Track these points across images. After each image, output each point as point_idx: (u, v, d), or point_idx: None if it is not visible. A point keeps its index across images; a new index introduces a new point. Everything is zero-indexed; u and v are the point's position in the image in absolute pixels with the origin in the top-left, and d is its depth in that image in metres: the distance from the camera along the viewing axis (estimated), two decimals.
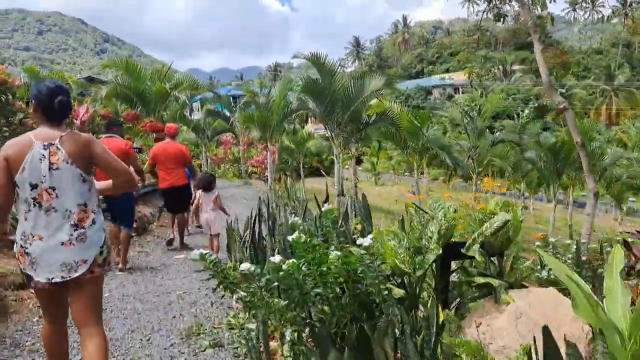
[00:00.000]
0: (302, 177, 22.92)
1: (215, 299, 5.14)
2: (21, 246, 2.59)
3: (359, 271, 2.58)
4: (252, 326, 3.65)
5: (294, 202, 11.01)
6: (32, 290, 3.00)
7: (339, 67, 12.45)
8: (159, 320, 4.62)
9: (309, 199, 11.54)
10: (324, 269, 2.59)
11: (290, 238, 2.69)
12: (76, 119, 9.56)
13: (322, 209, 3.70)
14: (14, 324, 4.55)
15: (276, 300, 2.49)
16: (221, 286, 2.63)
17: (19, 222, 2.62)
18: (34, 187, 2.55)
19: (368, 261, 2.52)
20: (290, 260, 2.57)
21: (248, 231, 5.48)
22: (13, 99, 7.10)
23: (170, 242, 8.02)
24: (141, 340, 4.15)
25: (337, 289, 2.71)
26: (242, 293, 2.55)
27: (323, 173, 31.55)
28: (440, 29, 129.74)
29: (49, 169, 2.55)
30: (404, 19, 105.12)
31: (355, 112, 12.17)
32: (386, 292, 2.57)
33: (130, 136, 12.50)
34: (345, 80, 11.84)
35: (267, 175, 19.57)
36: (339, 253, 2.58)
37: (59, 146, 2.57)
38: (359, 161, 23.09)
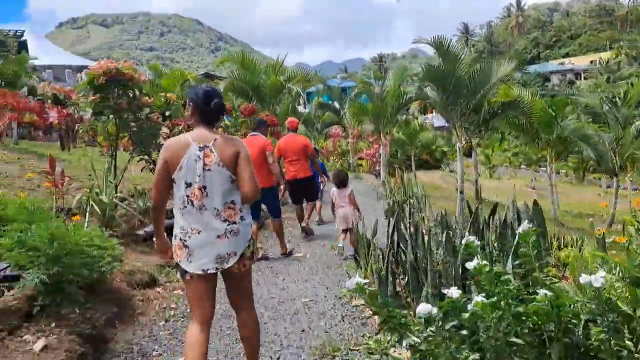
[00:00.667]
0: (414, 171, 21.97)
1: (346, 311, 4.63)
2: (180, 239, 2.78)
3: (572, 317, 1.89)
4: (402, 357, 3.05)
5: (412, 199, 10.35)
6: (184, 283, 2.99)
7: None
8: (286, 333, 4.21)
9: (426, 195, 10.81)
10: (523, 310, 1.93)
11: (470, 266, 2.07)
12: None
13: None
14: (140, 328, 4.37)
15: (466, 353, 1.85)
16: (386, 326, 2.05)
17: (175, 217, 2.83)
18: (188, 185, 2.75)
19: (595, 307, 1.81)
20: (479, 298, 1.94)
21: (387, 243, 4.86)
22: (140, 95, 7.12)
23: (305, 231, 8.06)
24: (271, 357, 3.74)
25: (538, 338, 2.03)
26: (415, 339, 1.95)
27: (434, 165, 30.23)
28: (556, 10, 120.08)
29: (203, 169, 2.74)
30: (518, 2, 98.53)
31: (480, 100, 11.13)
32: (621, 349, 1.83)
33: (244, 131, 12.48)
34: (471, 65, 10.83)
35: (377, 169, 18.94)
36: (548, 293, 1.89)
37: (212, 149, 2.76)
38: (469, 153, 21.64)
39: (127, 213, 6.60)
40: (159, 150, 8.98)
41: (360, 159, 22.37)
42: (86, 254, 4.02)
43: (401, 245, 4.62)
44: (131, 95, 6.95)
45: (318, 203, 8.95)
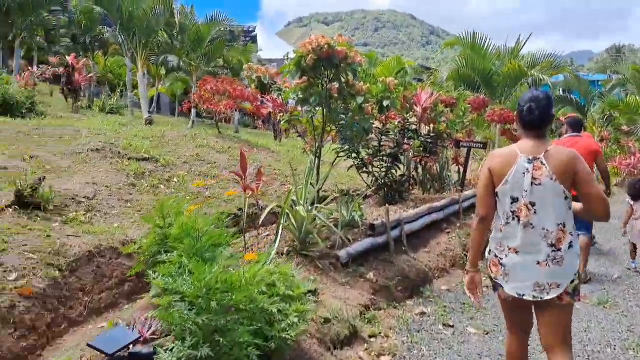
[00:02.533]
0: None
1: None
2: (495, 255, 2.68)
3: None
4: None
5: None
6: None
7: None
8: None
9: None
10: None
11: None
12: (417, 106, 7.89)
13: None
14: None
15: None
16: None
17: (494, 232, 2.72)
18: (514, 200, 2.58)
19: None
20: None
21: None
22: (354, 79, 5.66)
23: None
24: None
25: None
26: None
27: None
28: None
29: (531, 183, 2.53)
30: None
31: None
32: None
33: (471, 128, 10.38)
34: None
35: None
36: None
37: (543, 161, 2.53)
38: None
39: (327, 227, 5.20)
40: (368, 147, 7.66)
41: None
42: (261, 312, 2.59)
43: None
44: (343, 79, 5.54)
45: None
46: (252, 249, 4.80)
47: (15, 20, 14.10)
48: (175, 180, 7.77)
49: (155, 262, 3.04)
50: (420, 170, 8.65)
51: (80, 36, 17.73)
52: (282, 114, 5.70)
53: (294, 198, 4.81)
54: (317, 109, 5.34)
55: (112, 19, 13.49)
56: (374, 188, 7.69)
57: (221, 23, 14.29)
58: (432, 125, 8.18)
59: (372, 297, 4.89)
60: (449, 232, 7.30)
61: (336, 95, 5.30)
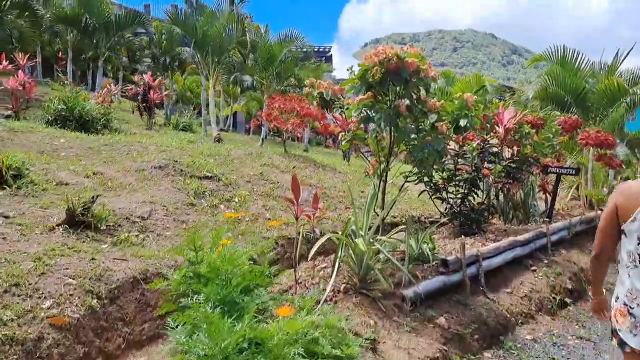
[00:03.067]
0: None
1: None
2: (624, 303, 2.41)
3: None
4: None
5: None
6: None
7: None
8: None
9: None
10: None
11: None
12: (498, 126, 7.10)
13: None
14: None
15: None
16: None
17: (620, 276, 2.48)
18: None
19: None
20: None
21: None
22: (426, 95, 5.06)
23: None
24: None
25: None
26: None
27: None
28: None
29: None
30: None
31: None
32: None
33: (561, 152, 9.34)
34: None
35: None
36: None
37: None
38: None
39: (390, 262, 4.58)
40: (442, 170, 6.94)
41: None
42: None
43: None
44: (415, 94, 4.94)
45: None
46: (305, 284, 4.27)
47: (99, 41, 14.76)
48: (236, 200, 7.46)
49: (180, 304, 2.58)
50: (501, 197, 7.78)
51: (161, 56, 18.36)
52: (343, 133, 5.18)
53: (354, 227, 4.25)
54: (383, 127, 4.76)
55: (187, 38, 13.75)
56: (448, 216, 6.95)
57: (293, 42, 14.16)
58: (515, 148, 7.33)
59: (443, 346, 4.19)
60: (534, 270, 6.41)
61: (405, 112, 4.70)
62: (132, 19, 14.88)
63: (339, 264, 4.10)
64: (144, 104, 13.10)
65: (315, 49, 26.25)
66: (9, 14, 13.26)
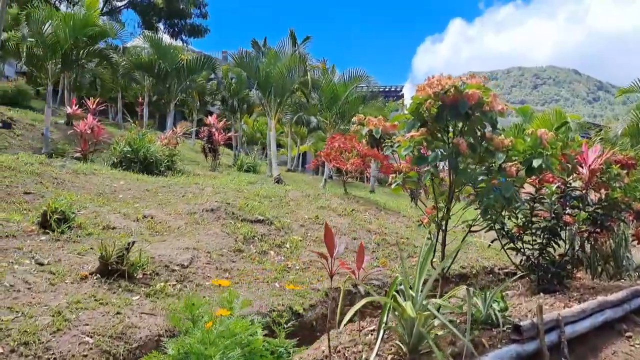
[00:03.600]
0: None
1: None
2: None
3: None
4: None
5: None
6: None
7: None
8: None
9: None
10: None
11: None
12: (582, 166, 6.20)
13: None
14: None
15: None
16: None
17: None
18: None
19: None
20: None
21: None
22: (492, 132, 4.40)
23: None
24: None
25: None
26: None
27: None
28: None
29: None
30: None
31: None
32: None
33: None
34: None
35: None
36: None
37: None
38: None
39: (450, 331, 3.85)
40: (517, 217, 6.11)
41: None
42: None
43: None
44: (479, 131, 4.30)
45: None
46: (345, 354, 3.65)
47: (172, 85, 15.29)
48: (287, 245, 7.01)
49: None
50: (588, 248, 6.75)
51: (230, 98, 18.78)
52: (394, 175, 4.59)
53: (401, 287, 3.61)
54: (439, 169, 4.15)
55: (252, 80, 13.89)
56: (523, 270, 6.08)
57: (359, 80, 13.90)
58: (603, 192, 6.35)
59: None
60: (629, 337, 5.35)
61: (466, 152, 4.07)
62: (202, 64, 15.35)
63: (383, 332, 3.47)
64: (209, 145, 13.22)
65: (386, 89, 25.90)
66: (89, 62, 14.13)
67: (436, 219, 4.42)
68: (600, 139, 10.09)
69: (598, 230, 6.23)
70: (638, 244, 7.60)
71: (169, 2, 28.82)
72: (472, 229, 4.71)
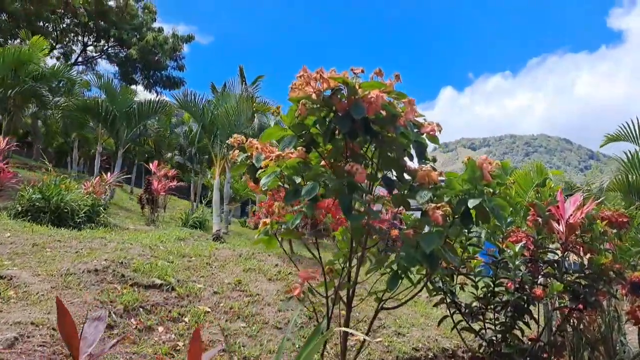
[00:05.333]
0: None
1: None
2: None
3: None
4: None
5: None
6: None
7: None
8: None
9: None
10: None
11: None
12: (558, 221, 4.77)
13: None
14: None
15: None
16: None
17: None
18: None
19: None
20: None
21: None
22: (420, 161, 3.03)
23: None
24: None
25: None
26: None
27: None
28: None
29: None
30: None
31: None
32: None
33: None
34: None
35: None
36: None
37: None
38: None
39: None
40: (476, 287, 4.59)
41: None
42: None
43: None
44: (392, 156, 2.93)
45: None
46: None
47: (120, 130, 13.99)
48: (186, 319, 5.41)
49: None
50: (569, 329, 5.16)
51: (187, 147, 17.48)
52: (265, 220, 3.13)
53: None
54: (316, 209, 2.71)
55: (196, 122, 12.67)
56: (484, 356, 4.51)
57: None
58: (586, 256, 4.87)
59: None
60: None
61: (363, 184, 2.65)
62: (155, 108, 14.11)
63: None
64: (147, 196, 11.74)
65: None
66: (24, 103, 12.98)
67: (324, 290, 2.92)
68: (582, 192, 8.69)
69: (581, 306, 4.69)
70: (634, 324, 5.99)
71: (143, 54, 28.28)
72: (384, 308, 3.18)
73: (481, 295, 4.69)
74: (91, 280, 5.69)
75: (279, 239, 3.08)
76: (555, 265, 4.60)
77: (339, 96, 2.67)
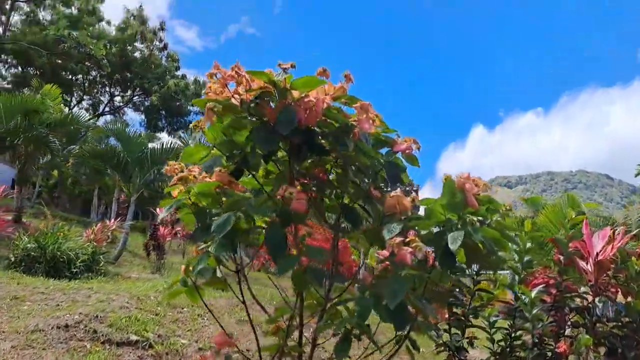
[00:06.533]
0: None
1: None
2: None
3: None
4: None
5: None
6: None
7: None
8: None
9: None
10: None
11: None
12: (584, 259, 3.97)
13: None
14: None
15: None
16: None
17: None
18: None
19: None
20: None
21: None
22: (391, 186, 2.39)
23: None
24: None
25: None
26: None
27: None
28: None
29: None
30: None
31: None
32: None
33: None
34: None
35: None
36: None
37: None
38: None
39: None
40: (493, 341, 3.84)
41: None
42: None
43: None
44: (355, 181, 2.30)
45: None
46: None
47: (132, 176, 13.77)
48: None
49: None
50: None
51: None
52: (183, 266, 2.49)
53: None
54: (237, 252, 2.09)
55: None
56: None
57: None
58: (627, 299, 4.03)
59: None
60: None
61: (304, 212, 2.02)
62: (168, 153, 13.82)
63: None
64: (153, 242, 11.27)
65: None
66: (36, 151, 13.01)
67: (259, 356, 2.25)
68: (621, 224, 7.71)
69: None
70: None
71: (164, 100, 28.76)
72: None
73: (498, 351, 3.90)
74: (59, 338, 5.11)
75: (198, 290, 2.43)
76: (585, 312, 3.77)
77: (266, 99, 2.08)
